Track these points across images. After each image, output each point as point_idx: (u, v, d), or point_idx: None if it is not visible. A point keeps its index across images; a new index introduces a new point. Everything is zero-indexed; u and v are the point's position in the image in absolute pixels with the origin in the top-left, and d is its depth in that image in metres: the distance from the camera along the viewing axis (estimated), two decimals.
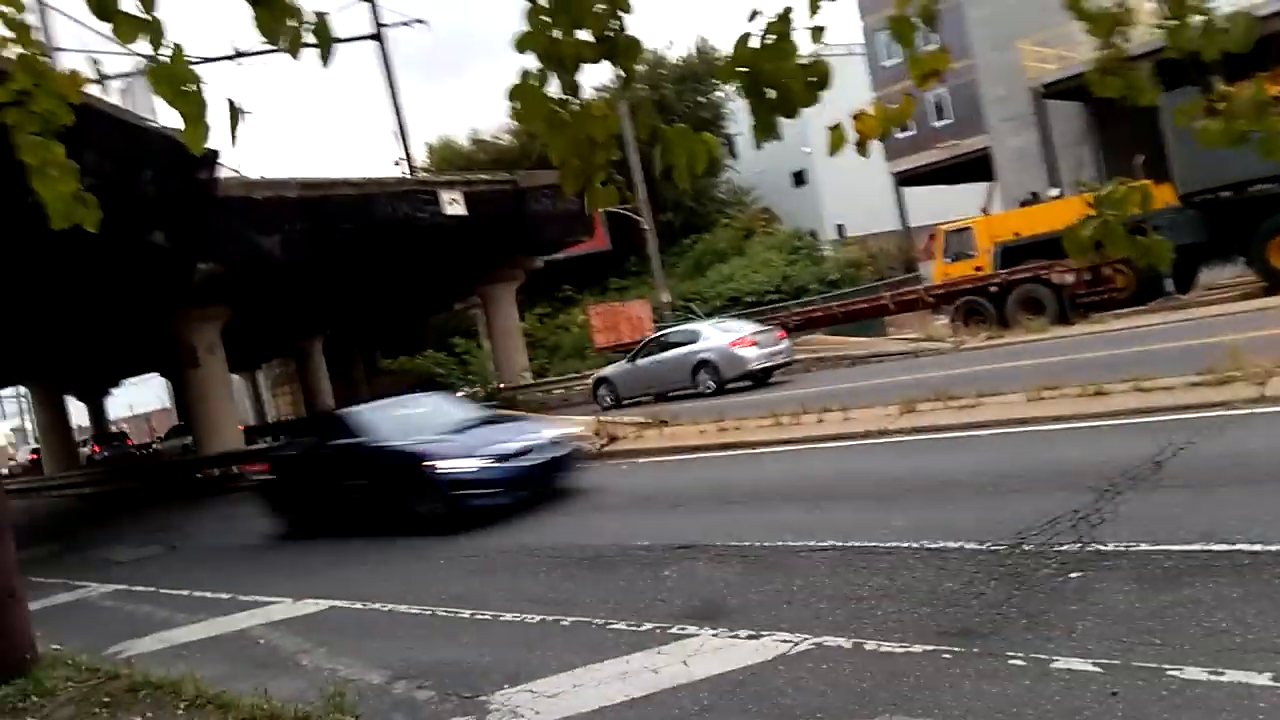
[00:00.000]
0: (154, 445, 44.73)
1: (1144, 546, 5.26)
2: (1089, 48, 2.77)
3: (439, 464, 9.91)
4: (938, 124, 34.66)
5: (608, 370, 21.47)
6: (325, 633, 6.79)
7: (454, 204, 23.29)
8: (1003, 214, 25.07)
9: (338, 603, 7.61)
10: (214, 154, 17.52)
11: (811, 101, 2.42)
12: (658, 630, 5.43)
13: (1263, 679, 3.56)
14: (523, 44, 2.33)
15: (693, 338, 19.80)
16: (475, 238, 24.09)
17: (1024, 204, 23.83)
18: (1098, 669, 3.91)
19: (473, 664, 5.48)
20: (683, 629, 5.38)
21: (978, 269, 22.06)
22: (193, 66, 2.27)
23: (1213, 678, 3.65)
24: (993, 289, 20.68)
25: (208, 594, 8.95)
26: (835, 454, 10.27)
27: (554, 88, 2.39)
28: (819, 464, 10.06)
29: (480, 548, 8.88)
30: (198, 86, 2.23)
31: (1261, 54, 2.71)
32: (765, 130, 2.46)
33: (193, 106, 2.23)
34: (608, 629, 5.64)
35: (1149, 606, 4.49)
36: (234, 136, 2.32)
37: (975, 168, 33.37)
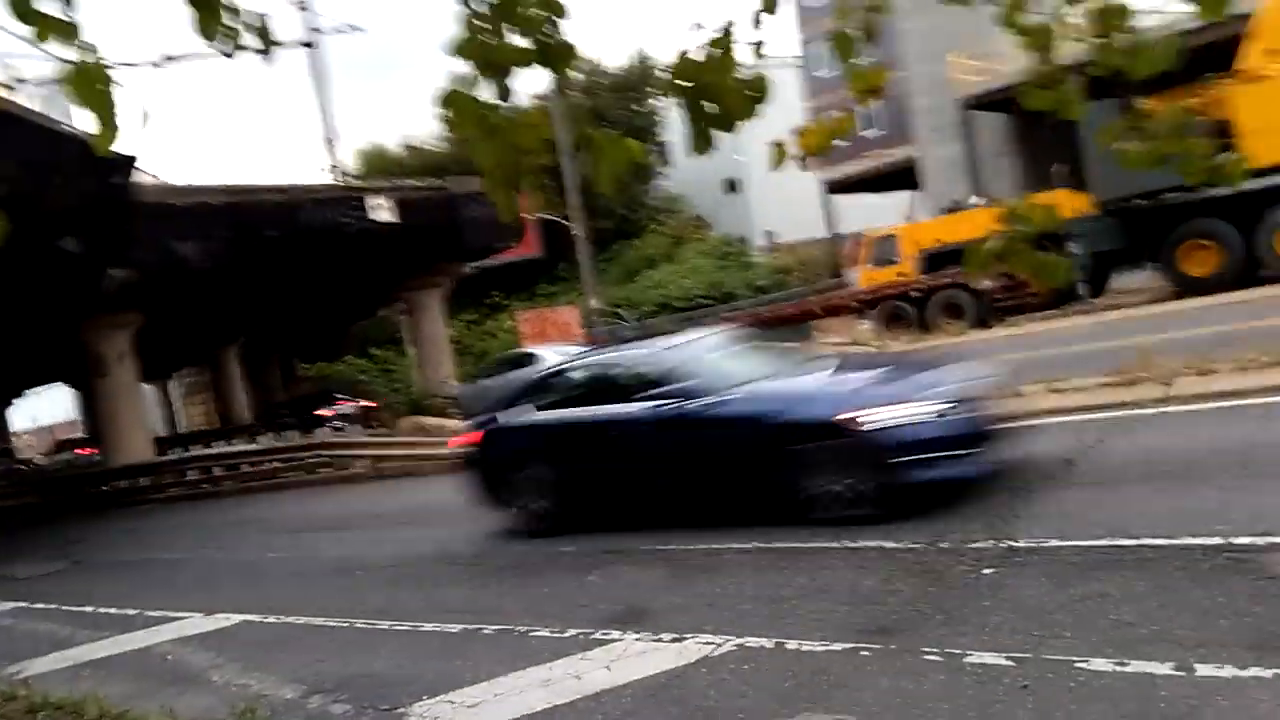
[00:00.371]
0: (33, 461, 42.93)
1: (1055, 543, 5.39)
2: (1015, 62, 2.85)
3: (865, 415, 6.53)
4: (868, 134, 35.32)
5: (459, 389, 22.58)
6: (237, 647, 6.56)
7: (382, 210, 22.96)
8: (926, 222, 25.64)
9: (251, 616, 7.37)
10: (129, 158, 16.97)
11: (750, 115, 2.44)
12: (581, 636, 5.38)
13: (1165, 668, 3.66)
14: (456, 49, 2.29)
15: (531, 361, 20.85)
16: (403, 244, 23.76)
17: (947, 212, 24.40)
18: (1010, 663, 3.97)
19: (391, 676, 5.36)
20: (606, 634, 5.33)
21: (901, 275, 22.52)
22: (108, 68, 2.18)
23: (1118, 669, 3.74)
24: (915, 294, 21.13)
25: (113, 610, 8.59)
26: None
27: (485, 93, 2.35)
28: None
29: (402, 557, 8.71)
30: (109, 87, 2.13)
31: (1186, 67, 2.79)
32: (703, 144, 2.47)
33: (103, 108, 2.14)
34: (530, 636, 5.57)
35: (1059, 601, 4.59)
36: (140, 140, 2.23)
37: (903, 177, 34.11)
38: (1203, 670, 3.59)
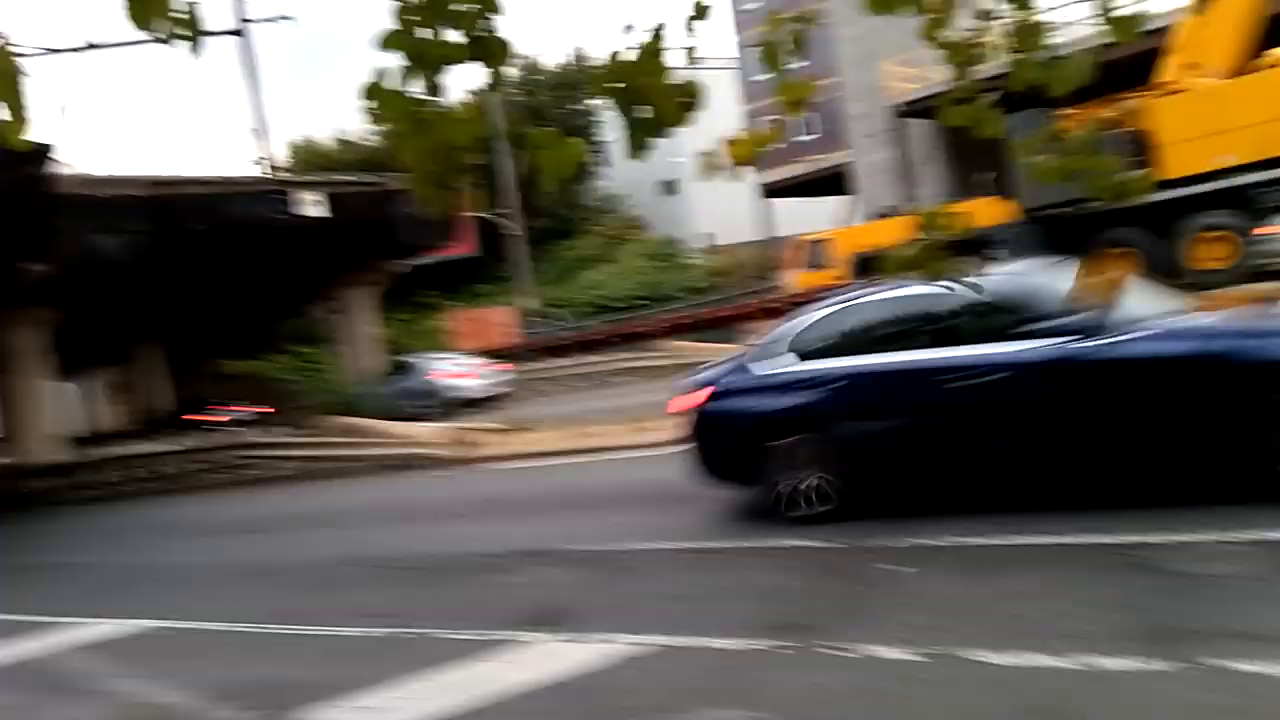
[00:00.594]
0: None
1: (967, 540, 5.48)
2: (945, 71, 2.88)
3: None
4: (805, 138, 35.74)
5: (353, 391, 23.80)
6: (144, 655, 6.32)
7: (313, 205, 22.57)
8: (860, 226, 26.03)
9: (160, 623, 7.10)
10: (44, 148, 16.38)
11: (683, 121, 2.42)
12: (501, 638, 5.27)
13: (1069, 662, 3.72)
14: (388, 42, 2.23)
15: (414, 368, 22.62)
16: (335, 240, 23.35)
17: (881, 217, 24.80)
18: (922, 658, 4.01)
19: (301, 681, 5.19)
20: (526, 636, 5.24)
21: (836, 279, 22.82)
22: (18, 57, 2.06)
23: (1025, 663, 3.79)
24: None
25: (13, 617, 8.18)
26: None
27: (416, 88, 2.30)
28: (675, 467, 10.08)
29: (319, 561, 8.51)
30: (19, 77, 2.02)
31: (1106, 80, 2.86)
32: (638, 148, 2.44)
33: (13, 97, 2.02)
34: (449, 639, 5.44)
35: (970, 597, 4.68)
36: (60, 130, 2.11)
37: (839, 181, 34.55)
38: (1106, 663, 3.66)
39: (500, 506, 9.78)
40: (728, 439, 6.87)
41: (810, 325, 6.91)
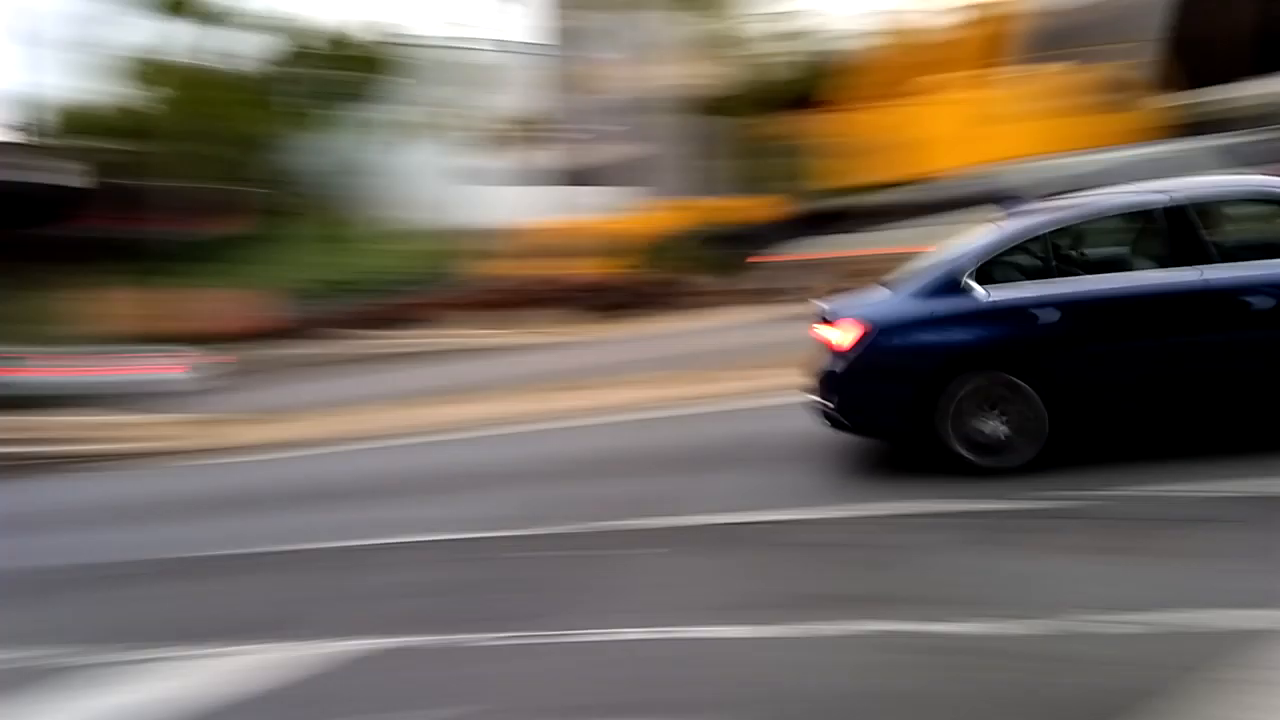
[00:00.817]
0: None
1: (705, 520, 5.69)
2: (718, 71, 2.83)
3: None
4: (597, 127, 35.88)
5: None
6: None
7: None
8: (626, 215, 26.48)
9: None
10: None
11: (366, 98, 2.19)
12: (204, 650, 4.72)
13: (771, 632, 3.99)
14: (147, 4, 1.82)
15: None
16: None
17: (649, 207, 25.52)
18: (642, 637, 4.12)
19: None
20: (239, 647, 4.73)
21: (584, 266, 23.11)
22: None
23: (732, 635, 4.02)
24: (594, 285, 21.85)
25: None
26: (457, 446, 9.95)
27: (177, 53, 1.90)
28: (428, 454, 9.69)
29: None
30: None
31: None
32: (334, 123, 2.17)
33: None
34: (135, 658, 4.75)
35: (698, 572, 4.90)
36: None
37: (621, 170, 35.11)
38: (825, 629, 3.91)
39: (221, 503, 8.87)
40: (893, 383, 5.74)
41: (1008, 246, 5.73)
